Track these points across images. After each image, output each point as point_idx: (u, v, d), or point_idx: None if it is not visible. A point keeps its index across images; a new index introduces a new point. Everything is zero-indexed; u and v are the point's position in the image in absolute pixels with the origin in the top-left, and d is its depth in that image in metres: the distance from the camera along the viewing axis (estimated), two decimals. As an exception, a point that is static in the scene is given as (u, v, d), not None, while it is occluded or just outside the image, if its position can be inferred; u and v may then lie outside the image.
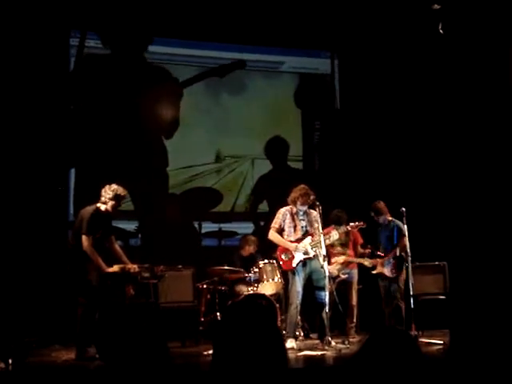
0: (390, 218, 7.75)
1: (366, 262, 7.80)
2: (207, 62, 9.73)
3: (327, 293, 6.83)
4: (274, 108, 9.93)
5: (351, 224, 7.51)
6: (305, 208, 7.13)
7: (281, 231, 7.16)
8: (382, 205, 7.80)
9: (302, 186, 7.17)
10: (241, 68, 9.77)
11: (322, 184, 9.11)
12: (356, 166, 9.76)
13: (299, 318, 7.43)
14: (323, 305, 6.84)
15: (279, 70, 10.13)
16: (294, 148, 10.07)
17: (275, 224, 7.17)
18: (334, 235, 7.22)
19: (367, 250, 7.87)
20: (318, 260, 6.97)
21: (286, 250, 7.05)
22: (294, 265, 6.97)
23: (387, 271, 7.63)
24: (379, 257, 7.74)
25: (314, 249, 6.99)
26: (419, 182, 8.95)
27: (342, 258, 7.82)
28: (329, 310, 6.84)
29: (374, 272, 7.74)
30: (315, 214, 7.12)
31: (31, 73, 8.25)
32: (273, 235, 7.17)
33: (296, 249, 6.99)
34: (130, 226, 9.00)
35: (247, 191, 9.76)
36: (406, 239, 7.53)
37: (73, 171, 8.88)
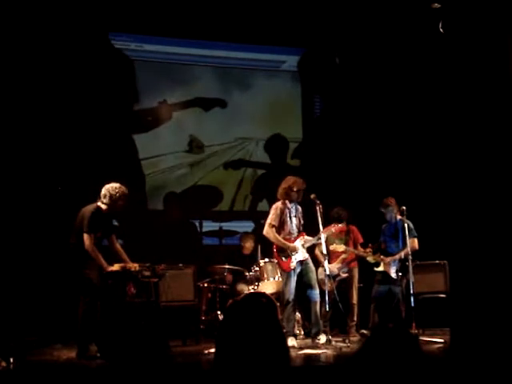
0: (399, 217, 7.56)
1: (369, 258, 7.71)
2: (208, 61, 9.77)
3: (318, 290, 6.84)
4: (275, 104, 9.99)
5: (335, 226, 7.49)
6: (295, 202, 7.00)
7: (277, 228, 6.99)
8: (391, 201, 7.65)
9: (289, 177, 7.05)
10: (222, 107, 9.82)
11: (321, 181, 9.12)
12: (357, 164, 9.76)
13: (299, 315, 7.45)
14: (315, 302, 6.85)
15: (280, 69, 10.16)
16: (293, 146, 10.15)
17: (272, 221, 6.97)
18: (316, 239, 7.10)
19: (368, 250, 7.82)
20: (309, 259, 6.97)
21: (284, 250, 6.95)
22: (291, 267, 6.88)
23: (393, 272, 7.52)
24: (384, 254, 7.63)
25: (304, 249, 6.94)
26: (420, 180, 8.95)
27: (342, 247, 7.66)
28: (329, 309, 6.84)
29: (377, 269, 7.64)
30: (300, 209, 7.08)
31: (31, 72, 8.25)
32: (269, 233, 6.99)
33: (294, 250, 6.90)
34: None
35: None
36: (416, 242, 7.50)
37: (73, 168, 8.89)
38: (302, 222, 7.08)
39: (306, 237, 7.03)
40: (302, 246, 6.94)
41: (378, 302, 7.59)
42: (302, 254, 6.92)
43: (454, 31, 7.28)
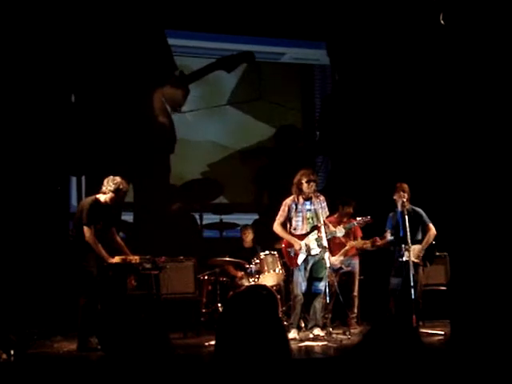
0: (407, 207, 7.28)
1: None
2: (207, 54, 9.73)
3: (324, 283, 6.79)
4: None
5: (358, 219, 7.42)
6: (310, 195, 6.85)
7: (287, 223, 6.95)
8: (404, 187, 7.41)
9: (302, 170, 6.96)
10: (249, 61, 9.71)
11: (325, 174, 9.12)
12: (357, 156, 9.74)
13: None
14: (317, 294, 6.85)
15: (280, 61, 10.13)
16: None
17: (280, 217, 6.94)
18: (338, 232, 7.08)
19: (370, 241, 7.71)
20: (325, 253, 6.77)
21: (292, 246, 6.89)
22: (299, 262, 6.84)
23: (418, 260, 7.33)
24: (401, 241, 7.40)
25: (319, 243, 6.77)
26: (421, 173, 8.92)
27: (342, 231, 7.26)
28: (330, 301, 6.84)
29: (403, 259, 7.21)
30: (322, 198, 6.91)
31: (32, 69, 8.23)
32: (277, 229, 6.97)
33: (300, 249, 6.82)
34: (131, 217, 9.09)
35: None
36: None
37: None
38: (320, 214, 6.79)
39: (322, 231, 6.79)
40: (316, 240, 6.82)
41: (395, 294, 7.39)
42: (311, 250, 6.86)
43: (455, 23, 7.25)
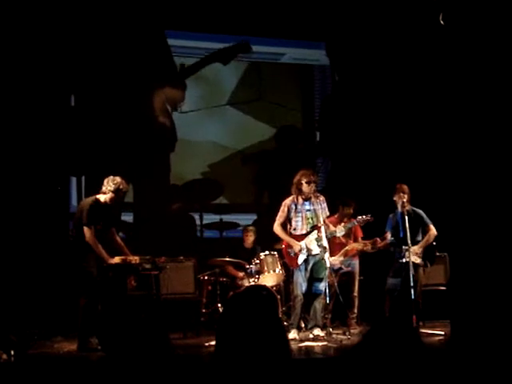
0: (407, 208, 7.28)
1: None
2: (207, 54, 9.71)
3: (325, 283, 6.78)
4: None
5: (358, 218, 7.41)
6: (309, 195, 6.87)
7: (287, 223, 6.96)
8: (404, 188, 7.39)
9: (302, 170, 6.97)
10: (245, 51, 9.69)
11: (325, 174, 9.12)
12: (357, 157, 9.74)
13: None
14: (317, 295, 6.85)
15: (280, 62, 10.13)
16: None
17: (280, 217, 6.96)
18: (338, 232, 7.09)
19: (371, 241, 7.72)
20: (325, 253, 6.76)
21: (292, 246, 6.91)
22: (299, 263, 6.84)
23: (419, 260, 7.30)
24: (402, 243, 7.29)
25: (319, 243, 6.77)
26: (421, 174, 8.93)
27: (342, 230, 7.24)
28: (330, 301, 6.84)
29: (403, 260, 7.21)
30: (322, 198, 6.94)
31: (32, 69, 8.22)
32: (277, 229, 6.99)
33: (301, 250, 6.83)
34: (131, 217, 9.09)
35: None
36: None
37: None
38: (320, 214, 6.82)
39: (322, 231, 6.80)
40: (316, 240, 6.82)
41: (392, 294, 7.36)
42: (311, 250, 6.86)
43: (455, 23, 7.25)
